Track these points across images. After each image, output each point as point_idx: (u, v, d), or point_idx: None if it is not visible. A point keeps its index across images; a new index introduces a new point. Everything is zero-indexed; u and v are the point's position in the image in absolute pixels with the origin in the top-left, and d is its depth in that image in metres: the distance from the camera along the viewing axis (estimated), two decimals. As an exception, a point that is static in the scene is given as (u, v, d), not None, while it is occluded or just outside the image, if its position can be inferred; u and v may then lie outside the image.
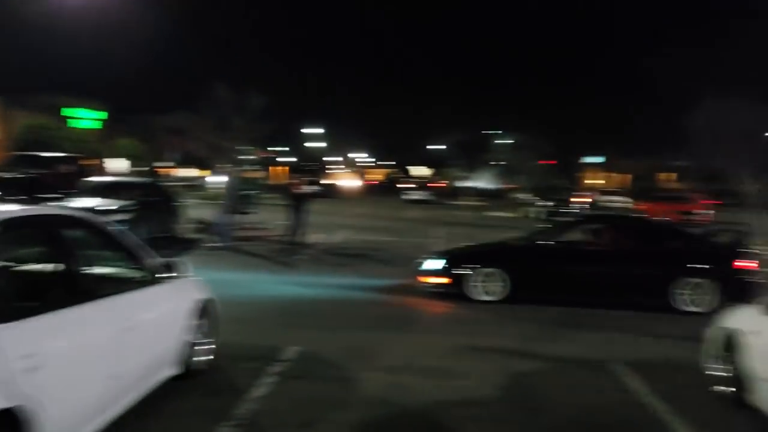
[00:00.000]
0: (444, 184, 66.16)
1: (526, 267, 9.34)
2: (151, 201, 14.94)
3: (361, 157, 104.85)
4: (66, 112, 56.02)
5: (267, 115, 33.05)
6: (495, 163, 56.78)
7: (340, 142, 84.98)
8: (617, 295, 9.28)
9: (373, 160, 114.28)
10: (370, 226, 24.63)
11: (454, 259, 9.72)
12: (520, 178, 42.37)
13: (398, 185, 59.67)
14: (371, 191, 74.51)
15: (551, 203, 31.15)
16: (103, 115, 60.50)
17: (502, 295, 9.22)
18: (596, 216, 14.78)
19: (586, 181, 66.36)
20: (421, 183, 59.50)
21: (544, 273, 9.33)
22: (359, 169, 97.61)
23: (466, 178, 57.39)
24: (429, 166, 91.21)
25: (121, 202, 13.67)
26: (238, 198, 15.53)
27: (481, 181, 63.89)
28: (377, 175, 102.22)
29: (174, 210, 16.25)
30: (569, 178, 52.86)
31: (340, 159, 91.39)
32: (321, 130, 75.54)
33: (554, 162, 47.67)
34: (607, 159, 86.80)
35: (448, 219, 29.61)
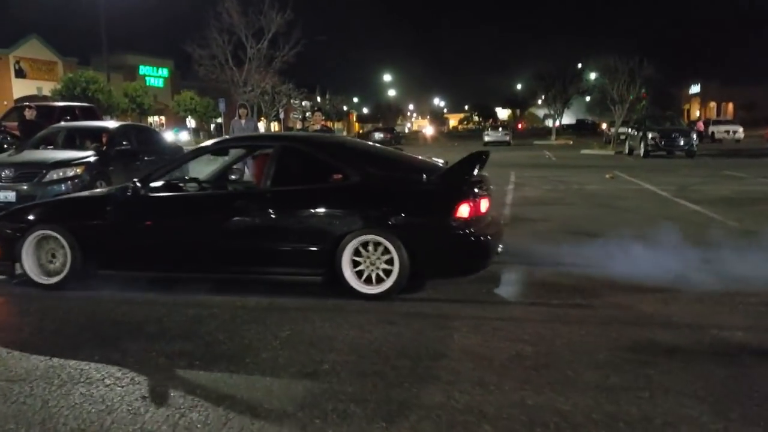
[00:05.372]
0: (524, 124, 61.03)
1: (102, 226, 5.58)
2: (121, 151, 11.32)
3: (435, 104, 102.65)
4: (143, 70, 56.98)
5: (292, 39, 29.36)
6: (583, 94, 49.44)
7: (410, 88, 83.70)
8: (247, 265, 5.37)
9: (446, 105, 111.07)
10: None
11: (11, 215, 5.94)
12: (614, 110, 35.70)
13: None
14: (455, 136, 70.80)
15: (656, 134, 24.53)
16: (165, 71, 60.21)
17: (65, 272, 5.51)
18: (239, 139, 7.94)
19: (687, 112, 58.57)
20: (502, 124, 55.02)
21: (129, 234, 5.57)
22: (435, 115, 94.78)
23: (550, 116, 50.95)
24: (511, 107, 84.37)
25: (76, 154, 10.44)
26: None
27: (568, 117, 57.14)
28: (453, 121, 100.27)
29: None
30: (668, 109, 45.33)
31: (411, 106, 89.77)
32: (388, 77, 73.66)
33: (645, 96, 40.10)
34: (703, 88, 76.32)
35: (529, 161, 24.17)
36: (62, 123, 13.79)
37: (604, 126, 45.61)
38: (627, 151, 26.84)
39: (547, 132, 54.53)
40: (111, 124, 13.77)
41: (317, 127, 12.05)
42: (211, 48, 30.08)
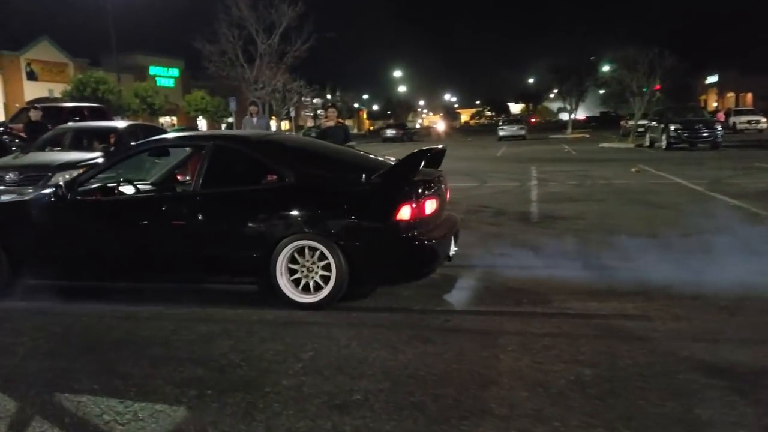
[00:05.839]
0: (537, 118, 60.49)
1: (27, 233, 5.24)
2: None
3: (446, 99, 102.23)
4: (153, 70, 56.91)
5: (304, 34, 28.97)
6: (601, 86, 48.41)
7: (421, 83, 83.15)
8: (177, 273, 5.04)
9: (457, 100, 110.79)
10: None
11: None
12: (633, 102, 34.91)
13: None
14: (469, 131, 70.16)
15: (679, 126, 23.33)
16: (176, 71, 60.00)
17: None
18: (173, 139, 6.82)
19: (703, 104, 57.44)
20: (517, 118, 54.45)
21: (53, 241, 5.19)
22: (447, 111, 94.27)
23: (565, 110, 50.14)
24: (524, 102, 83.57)
25: (83, 155, 10.01)
26: None
27: (583, 110, 56.23)
28: (465, 116, 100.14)
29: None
30: (685, 99, 44.39)
31: (422, 101, 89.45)
32: (398, 73, 73.44)
33: (659, 87, 39.07)
34: (721, 78, 74.58)
35: (548, 155, 23.50)
36: (69, 123, 13.42)
37: (627, 120, 44.73)
38: (648, 143, 26.14)
39: (561, 126, 53.69)
40: (119, 123, 13.40)
41: (331, 123, 11.50)
42: (221, 43, 29.70)
